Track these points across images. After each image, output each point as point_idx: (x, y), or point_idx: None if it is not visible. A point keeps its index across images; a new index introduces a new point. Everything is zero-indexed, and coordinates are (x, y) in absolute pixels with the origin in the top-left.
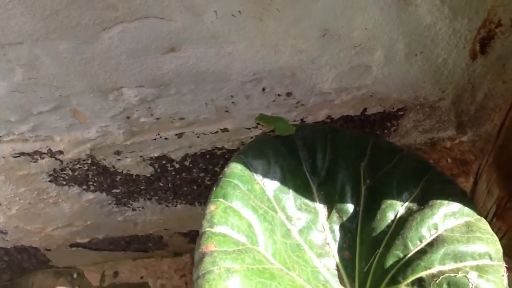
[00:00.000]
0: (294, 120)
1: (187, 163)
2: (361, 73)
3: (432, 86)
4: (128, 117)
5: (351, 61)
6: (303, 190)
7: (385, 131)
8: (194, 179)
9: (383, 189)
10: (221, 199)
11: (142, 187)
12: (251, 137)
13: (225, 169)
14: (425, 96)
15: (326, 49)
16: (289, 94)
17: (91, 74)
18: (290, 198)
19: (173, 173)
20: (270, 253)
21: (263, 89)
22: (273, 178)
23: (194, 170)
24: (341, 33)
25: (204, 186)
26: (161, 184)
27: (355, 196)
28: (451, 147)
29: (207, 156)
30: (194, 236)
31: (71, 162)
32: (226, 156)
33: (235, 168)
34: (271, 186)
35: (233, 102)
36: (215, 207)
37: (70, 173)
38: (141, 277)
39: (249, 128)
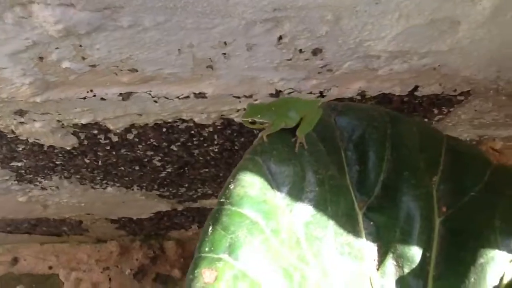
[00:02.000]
0: (310, 93)
1: (130, 137)
2: (441, 33)
3: None
4: (40, 58)
5: (436, 10)
6: (345, 219)
7: (426, 119)
8: (137, 158)
9: (472, 226)
10: (224, 256)
11: (57, 162)
12: (238, 110)
13: (232, 187)
14: (510, 80)
15: None
16: (316, 52)
17: None
18: (328, 235)
19: (108, 147)
20: None
21: (280, 38)
22: (308, 201)
23: (140, 146)
24: None
25: (150, 168)
26: (87, 161)
27: (425, 232)
28: (502, 149)
29: (163, 129)
30: (125, 223)
31: None
32: (192, 131)
33: (250, 186)
34: (302, 216)
35: (224, 54)
36: (213, 277)
37: None
38: (50, 267)
39: (238, 97)
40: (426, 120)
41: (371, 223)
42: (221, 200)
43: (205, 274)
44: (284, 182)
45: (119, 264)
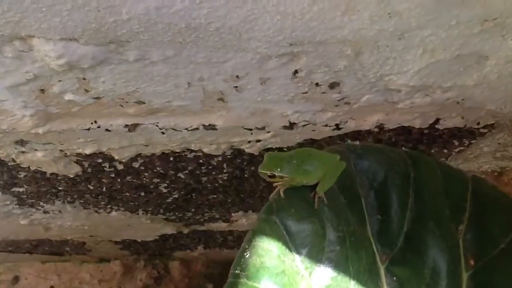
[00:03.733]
0: (326, 125)
1: (136, 165)
2: (467, 67)
3: None
4: (42, 91)
5: (464, 46)
6: (367, 275)
7: (445, 150)
8: (142, 185)
9: (502, 281)
10: None
11: (60, 188)
12: (249, 141)
13: (247, 255)
14: None
15: (437, 18)
16: (334, 85)
17: None
18: None
19: (112, 175)
20: None
21: (295, 72)
22: (329, 262)
23: (146, 174)
24: None
25: (156, 194)
26: (91, 187)
27: (453, 287)
28: None
29: (171, 159)
30: (129, 244)
31: None
32: (200, 161)
33: (267, 255)
34: (322, 280)
35: (236, 87)
36: None
37: None
38: (51, 287)
39: (250, 129)
40: (444, 151)
41: (394, 278)
42: (236, 272)
43: None
44: (303, 243)
45: (122, 284)
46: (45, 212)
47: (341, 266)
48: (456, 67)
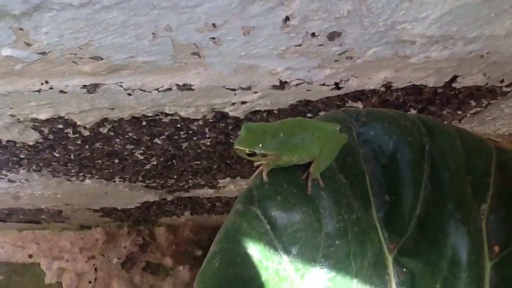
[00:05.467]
0: (323, 84)
1: (104, 131)
2: (499, 13)
3: None
4: None
5: None
6: (372, 269)
7: (459, 112)
8: (115, 152)
9: None
10: None
11: (22, 156)
12: (233, 103)
13: (216, 263)
14: None
15: None
16: (334, 36)
17: None
18: None
19: (79, 141)
20: None
21: (286, 20)
22: (325, 260)
23: (117, 140)
24: None
25: (132, 161)
26: (56, 154)
27: (473, 283)
28: None
29: (143, 123)
30: (109, 211)
31: None
32: (178, 125)
33: (243, 264)
34: (318, 282)
35: (213, 38)
36: None
37: None
38: (30, 256)
39: (234, 90)
40: (458, 112)
41: (404, 270)
42: (201, 286)
43: None
44: (293, 240)
45: (105, 252)
46: (10, 181)
47: (341, 263)
48: (486, 13)
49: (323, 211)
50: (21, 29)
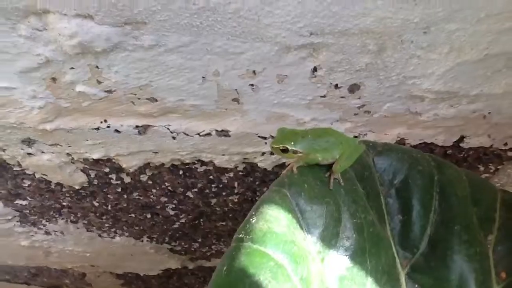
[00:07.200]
0: None
1: (144, 178)
2: (495, 72)
3: None
4: (53, 79)
5: (493, 44)
6: (386, 278)
7: (481, 169)
8: (149, 204)
9: None
10: None
11: (64, 203)
12: (263, 153)
13: (253, 221)
14: None
15: (465, 9)
16: (354, 88)
17: None
18: None
19: (119, 189)
20: None
21: (314, 70)
22: (344, 250)
23: (154, 190)
24: None
25: (163, 216)
26: (96, 204)
27: None
28: None
29: (180, 172)
30: (131, 279)
31: None
32: (211, 176)
33: (276, 222)
34: (337, 268)
35: (252, 85)
36: None
37: None
38: None
39: (264, 138)
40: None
41: (416, 286)
42: (240, 235)
43: None
44: (316, 224)
45: None
46: (47, 233)
47: (358, 257)
48: (483, 72)
49: (343, 205)
50: (97, 67)
